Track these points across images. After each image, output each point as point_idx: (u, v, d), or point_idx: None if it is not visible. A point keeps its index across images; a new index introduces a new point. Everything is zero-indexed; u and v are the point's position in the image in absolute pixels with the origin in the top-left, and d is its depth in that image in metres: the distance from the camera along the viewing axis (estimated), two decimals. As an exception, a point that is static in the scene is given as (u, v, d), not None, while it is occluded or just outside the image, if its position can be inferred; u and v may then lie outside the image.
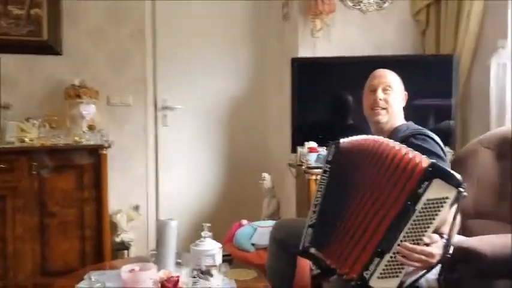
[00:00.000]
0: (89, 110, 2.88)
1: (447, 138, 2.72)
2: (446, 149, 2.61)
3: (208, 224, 1.80)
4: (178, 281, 1.35)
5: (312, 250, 1.60)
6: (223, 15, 3.34)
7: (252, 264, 2.24)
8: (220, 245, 1.73)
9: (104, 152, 2.73)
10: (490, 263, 1.54)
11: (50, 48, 2.94)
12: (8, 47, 2.86)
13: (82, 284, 1.47)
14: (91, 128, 2.83)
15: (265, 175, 2.81)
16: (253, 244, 2.42)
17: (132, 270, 1.63)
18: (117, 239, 2.96)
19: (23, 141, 2.63)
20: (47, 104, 2.94)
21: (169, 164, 3.28)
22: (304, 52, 2.96)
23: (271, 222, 2.44)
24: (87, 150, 2.70)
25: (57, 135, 2.73)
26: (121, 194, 3.05)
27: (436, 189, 1.30)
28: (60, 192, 2.66)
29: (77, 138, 2.72)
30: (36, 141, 2.65)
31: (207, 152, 3.36)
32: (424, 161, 1.36)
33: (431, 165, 1.33)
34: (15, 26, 2.87)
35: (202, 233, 1.72)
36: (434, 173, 1.31)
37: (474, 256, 1.54)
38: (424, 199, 1.30)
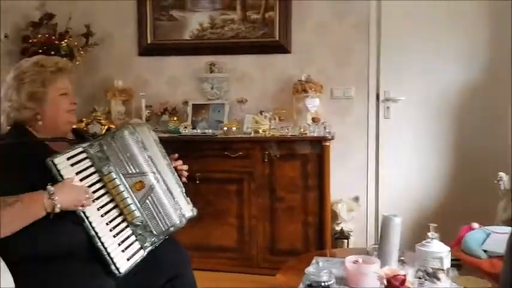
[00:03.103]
0: (313, 103, 3.06)
1: None
2: None
3: (434, 225, 1.71)
4: (405, 279, 1.31)
5: None
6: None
7: (482, 272, 2.02)
8: (448, 248, 1.61)
9: (327, 143, 2.87)
10: None
11: (281, 47, 3.22)
12: (246, 48, 3.28)
13: (311, 268, 1.57)
14: (315, 120, 2.99)
15: (502, 175, 2.47)
16: (485, 251, 2.17)
17: (356, 262, 1.66)
18: (337, 228, 3.06)
19: (257, 132, 2.96)
20: (277, 98, 3.25)
21: (390, 157, 3.20)
22: None
23: (508, 228, 2.14)
24: (311, 141, 2.88)
25: (285, 127, 2.97)
26: (340, 184, 3.12)
27: None
28: (287, 179, 2.91)
29: (302, 130, 2.92)
30: (267, 132, 2.94)
31: (432, 146, 3.15)
32: None
33: None
34: (252, 29, 3.25)
35: (429, 234, 1.63)
36: None
37: None
38: None
